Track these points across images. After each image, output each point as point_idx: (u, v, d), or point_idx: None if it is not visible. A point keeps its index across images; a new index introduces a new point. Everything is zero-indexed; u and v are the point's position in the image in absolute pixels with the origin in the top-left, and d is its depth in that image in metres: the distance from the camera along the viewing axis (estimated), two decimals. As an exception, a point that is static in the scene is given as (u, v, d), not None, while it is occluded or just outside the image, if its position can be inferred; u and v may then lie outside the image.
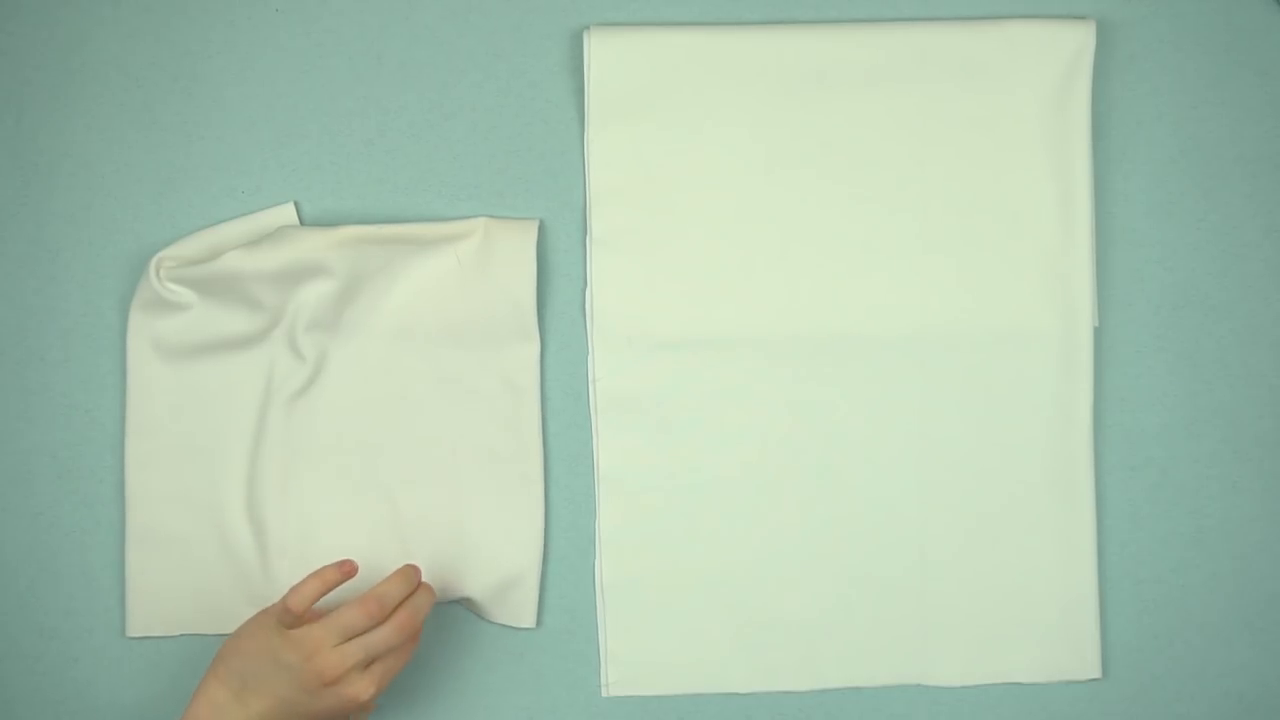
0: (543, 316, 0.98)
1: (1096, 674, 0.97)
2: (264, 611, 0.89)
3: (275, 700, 0.86)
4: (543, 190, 0.99)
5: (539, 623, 0.97)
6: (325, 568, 0.88)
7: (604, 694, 0.97)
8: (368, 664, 0.87)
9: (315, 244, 0.96)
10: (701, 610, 0.97)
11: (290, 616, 0.87)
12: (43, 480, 0.98)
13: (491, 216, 0.98)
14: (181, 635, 0.96)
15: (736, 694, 0.97)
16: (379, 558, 0.96)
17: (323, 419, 0.97)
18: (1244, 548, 0.98)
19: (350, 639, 0.86)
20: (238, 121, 0.99)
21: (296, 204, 0.99)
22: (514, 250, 0.97)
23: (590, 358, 0.97)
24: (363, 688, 0.86)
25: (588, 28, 0.97)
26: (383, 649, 0.87)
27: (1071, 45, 0.97)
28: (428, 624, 0.97)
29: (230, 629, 0.96)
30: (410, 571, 0.90)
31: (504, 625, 0.97)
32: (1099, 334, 0.98)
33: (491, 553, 0.97)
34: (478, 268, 0.97)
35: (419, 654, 0.97)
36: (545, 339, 0.98)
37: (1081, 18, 0.98)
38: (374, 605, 0.87)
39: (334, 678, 0.85)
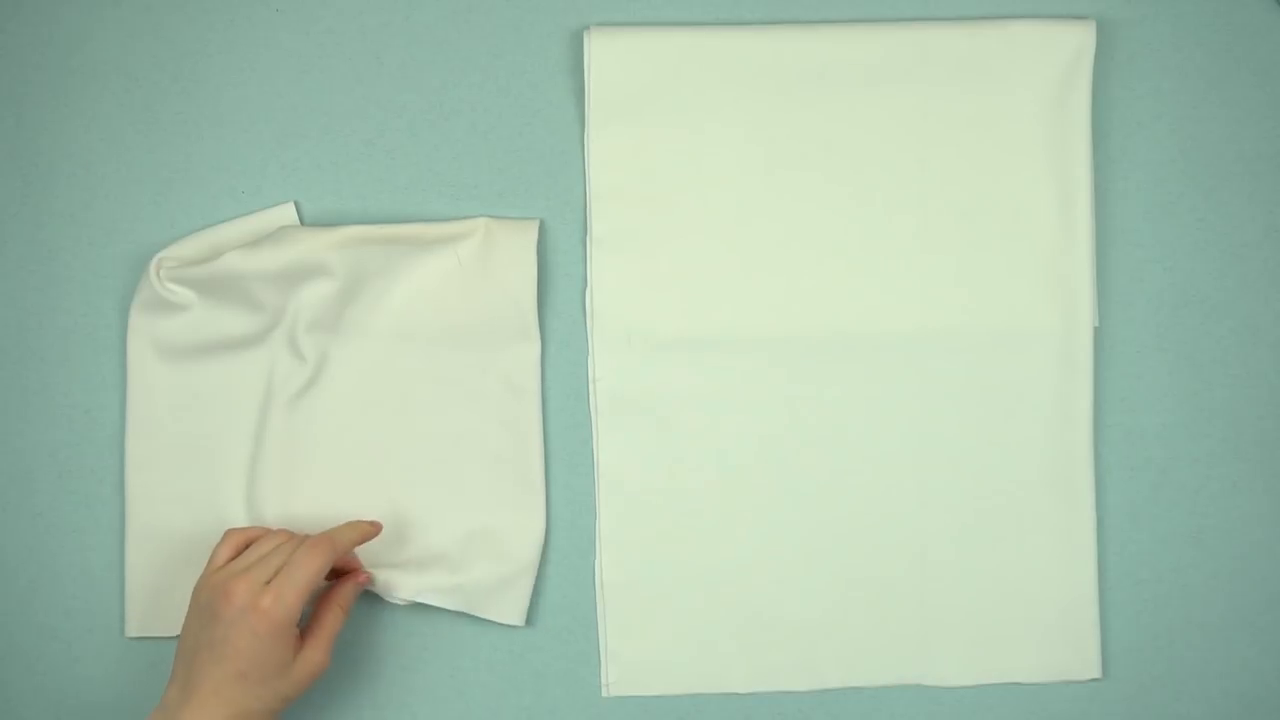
0: (543, 316, 0.98)
1: (1096, 674, 0.97)
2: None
3: (218, 674, 0.86)
4: (543, 190, 0.99)
5: (533, 621, 0.97)
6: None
7: (604, 694, 0.97)
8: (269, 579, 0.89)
9: (315, 244, 0.96)
10: (701, 610, 0.97)
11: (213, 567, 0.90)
12: (43, 480, 0.98)
13: (492, 216, 0.98)
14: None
15: (736, 694, 0.97)
16: (379, 558, 0.96)
17: (323, 419, 0.97)
18: (1244, 548, 0.98)
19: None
20: (238, 121, 0.99)
21: (296, 204, 0.99)
22: (514, 250, 0.97)
23: (590, 358, 0.98)
24: (266, 594, 0.86)
25: (588, 28, 0.97)
26: (275, 558, 0.89)
27: (1071, 45, 0.97)
28: (427, 623, 0.97)
29: (230, 629, 0.96)
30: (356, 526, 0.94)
31: (494, 622, 0.96)
32: (1099, 334, 0.98)
33: (492, 553, 0.97)
34: (478, 268, 0.97)
35: (419, 653, 0.97)
36: (545, 339, 0.98)
37: (1081, 18, 0.98)
38: (277, 531, 0.92)
39: (241, 597, 0.86)
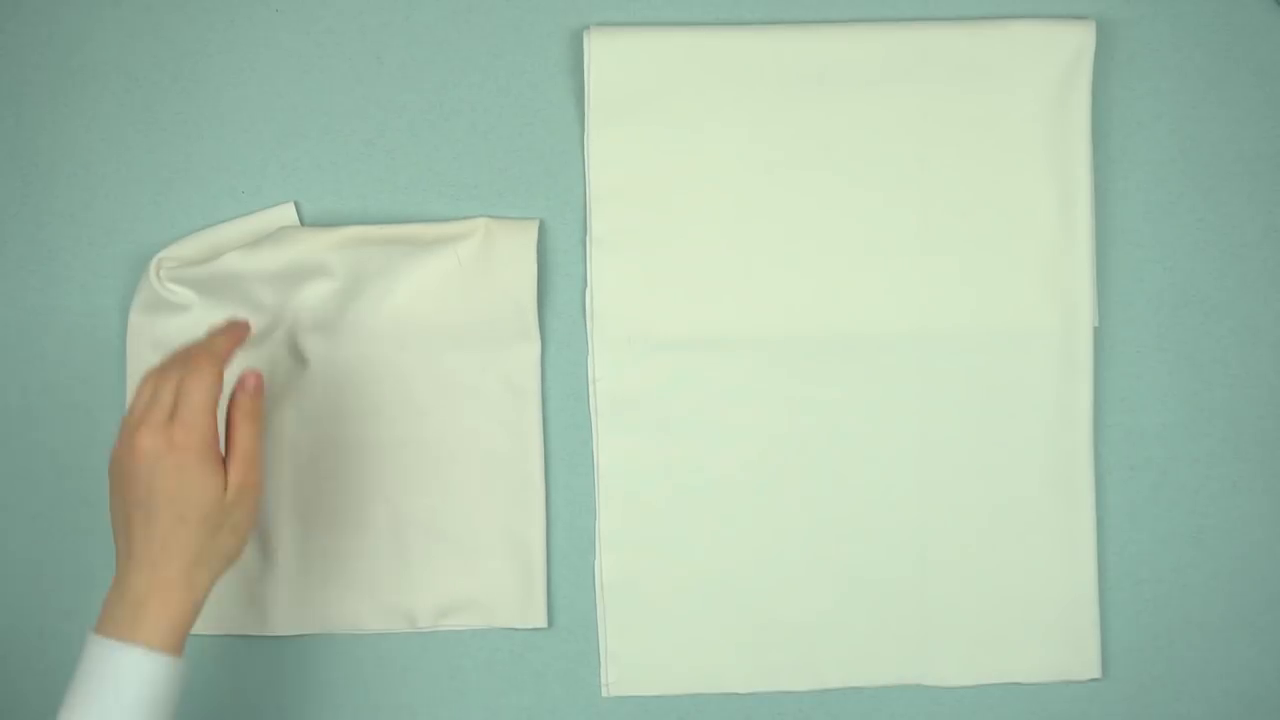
0: (543, 316, 0.98)
1: (1096, 674, 0.97)
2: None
3: (159, 530, 0.82)
4: (543, 190, 0.99)
5: (550, 622, 0.97)
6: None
7: (604, 694, 0.97)
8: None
9: (315, 244, 0.96)
10: (702, 610, 0.97)
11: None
12: (43, 480, 0.98)
13: (492, 216, 0.98)
14: (181, 635, 0.96)
15: (736, 694, 0.97)
16: (379, 559, 0.96)
17: (323, 419, 0.97)
18: (1244, 548, 0.98)
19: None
20: (238, 121, 0.99)
21: (296, 204, 0.99)
22: (514, 250, 0.97)
23: (590, 358, 0.97)
24: (174, 429, 0.83)
25: (588, 28, 0.97)
26: (165, 395, 0.84)
27: (1071, 45, 0.97)
28: (427, 630, 0.97)
29: (229, 630, 0.96)
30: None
31: (513, 628, 0.97)
32: (1099, 334, 0.98)
33: (493, 554, 0.97)
34: (478, 268, 0.97)
35: (419, 653, 0.97)
36: (545, 339, 0.98)
37: (1081, 18, 0.98)
38: (153, 370, 0.86)
39: (149, 443, 0.82)
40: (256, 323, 0.97)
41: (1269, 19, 0.99)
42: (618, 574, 0.97)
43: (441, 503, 0.97)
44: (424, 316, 0.97)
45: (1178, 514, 0.98)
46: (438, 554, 0.97)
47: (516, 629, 0.97)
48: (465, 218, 0.98)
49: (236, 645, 0.97)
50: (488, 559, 0.97)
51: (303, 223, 0.99)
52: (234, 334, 0.89)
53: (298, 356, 0.97)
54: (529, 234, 0.97)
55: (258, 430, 0.86)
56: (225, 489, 0.84)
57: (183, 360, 0.86)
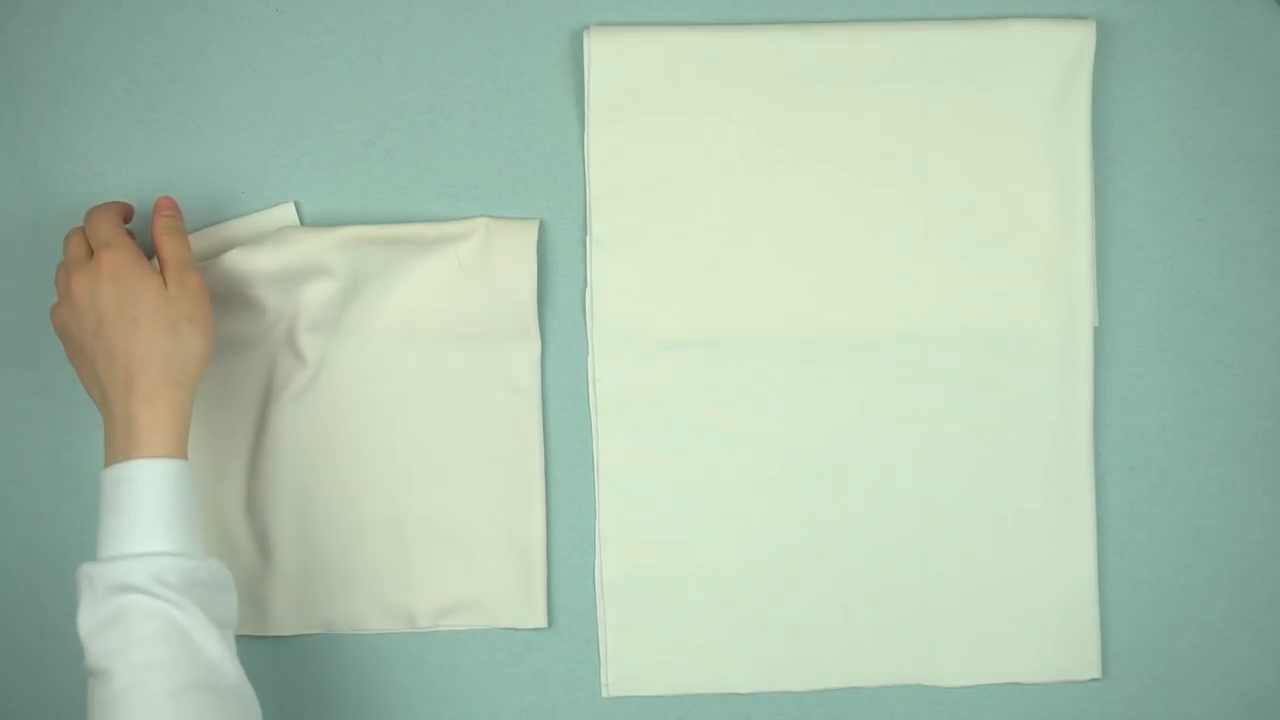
0: (543, 316, 0.98)
1: (1096, 674, 0.97)
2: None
3: (123, 344, 0.87)
4: (543, 190, 0.99)
5: (550, 622, 0.97)
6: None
7: (604, 694, 0.97)
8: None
9: (315, 244, 0.96)
10: (702, 610, 0.97)
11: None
12: (43, 480, 0.98)
13: (492, 216, 0.98)
14: (181, 635, 0.96)
15: (736, 694, 0.97)
16: (379, 558, 0.96)
17: (323, 419, 0.97)
18: (1244, 548, 0.98)
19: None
20: (238, 121, 0.99)
21: (296, 204, 0.99)
22: (514, 250, 0.97)
23: (590, 358, 0.98)
24: (100, 254, 0.88)
25: (588, 28, 0.97)
26: (77, 247, 0.90)
27: (1071, 45, 0.97)
28: (427, 630, 0.97)
29: (230, 629, 0.96)
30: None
31: (513, 628, 0.97)
32: (1099, 334, 0.98)
33: (493, 554, 0.97)
34: (478, 268, 0.97)
35: (418, 656, 0.97)
36: (545, 339, 0.98)
37: (1081, 18, 0.98)
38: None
39: (83, 281, 0.88)
40: (256, 323, 0.97)
41: (1269, 19, 0.99)
42: (618, 574, 0.97)
43: (441, 503, 0.97)
44: (424, 316, 0.97)
45: (1178, 514, 0.98)
46: (438, 554, 0.97)
47: (516, 629, 0.97)
48: (465, 218, 0.98)
49: (237, 645, 0.97)
50: (488, 559, 0.97)
51: (303, 223, 0.99)
52: (122, 204, 0.94)
53: (298, 356, 0.97)
54: (529, 234, 0.97)
55: (182, 240, 0.91)
56: (164, 286, 0.88)
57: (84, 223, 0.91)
